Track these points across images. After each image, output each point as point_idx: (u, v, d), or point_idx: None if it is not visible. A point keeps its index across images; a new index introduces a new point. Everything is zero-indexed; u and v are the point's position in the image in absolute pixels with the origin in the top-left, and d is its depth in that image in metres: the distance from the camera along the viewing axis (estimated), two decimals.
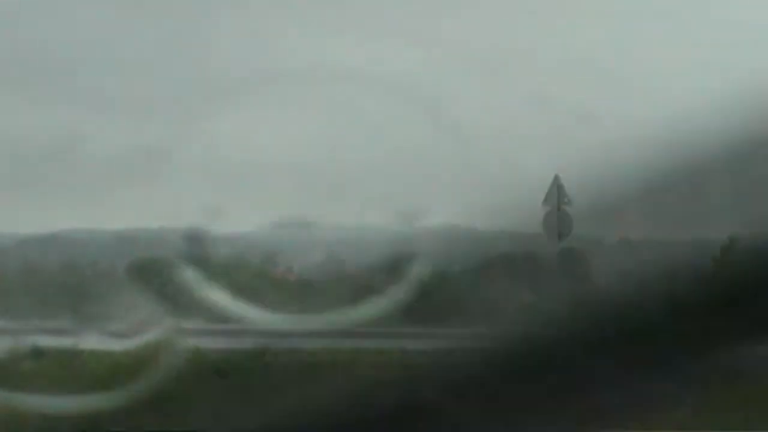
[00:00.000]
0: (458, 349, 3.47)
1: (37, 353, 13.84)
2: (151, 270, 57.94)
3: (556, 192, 36.85)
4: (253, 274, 56.06)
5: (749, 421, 14.94)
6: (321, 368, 12.54)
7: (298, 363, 12.55)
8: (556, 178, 37.02)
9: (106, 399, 10.47)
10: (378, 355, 13.52)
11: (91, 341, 17.14)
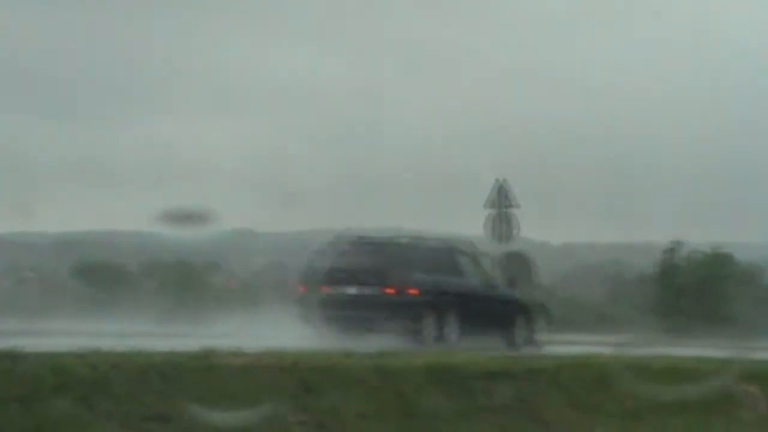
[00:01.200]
0: None
1: None
2: (98, 273, 57.01)
3: (499, 195, 36.91)
4: (197, 279, 55.57)
5: None
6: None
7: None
8: (498, 181, 37.07)
9: None
10: (322, 358, 13.68)
11: None
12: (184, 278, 55.58)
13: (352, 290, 24.70)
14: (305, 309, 25.08)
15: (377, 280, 24.65)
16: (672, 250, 68.74)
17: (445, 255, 27.03)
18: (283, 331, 22.90)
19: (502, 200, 36.85)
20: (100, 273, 57.95)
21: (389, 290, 24.52)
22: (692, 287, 59.36)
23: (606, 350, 18.56)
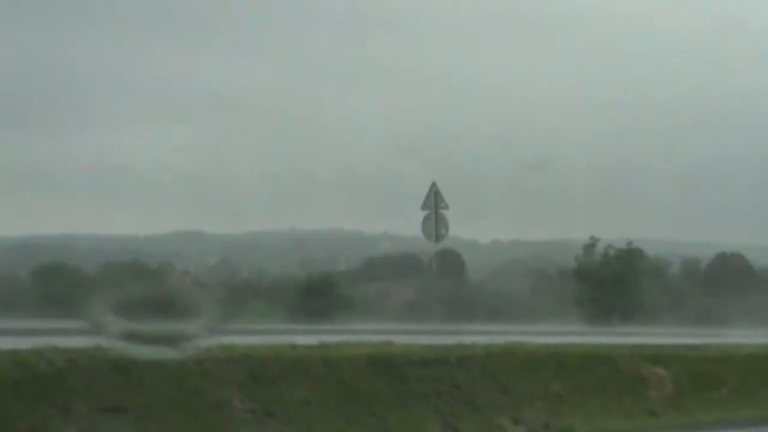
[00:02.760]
0: None
1: None
2: (56, 274, 56.34)
3: (434, 197, 37.10)
4: (151, 278, 55.16)
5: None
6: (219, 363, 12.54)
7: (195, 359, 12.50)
8: (433, 185, 37.27)
9: None
10: (269, 350, 13.58)
11: None
12: (139, 278, 55.15)
13: None
14: None
15: None
16: (590, 246, 69.38)
17: None
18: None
19: (436, 202, 37.03)
20: (58, 274, 57.37)
21: None
22: (607, 280, 59.97)
23: (531, 339, 18.71)
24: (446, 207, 36.88)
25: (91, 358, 11.29)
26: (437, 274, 39.68)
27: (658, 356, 16.16)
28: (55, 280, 55.54)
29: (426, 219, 36.89)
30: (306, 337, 16.82)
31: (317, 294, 53.83)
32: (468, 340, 15.79)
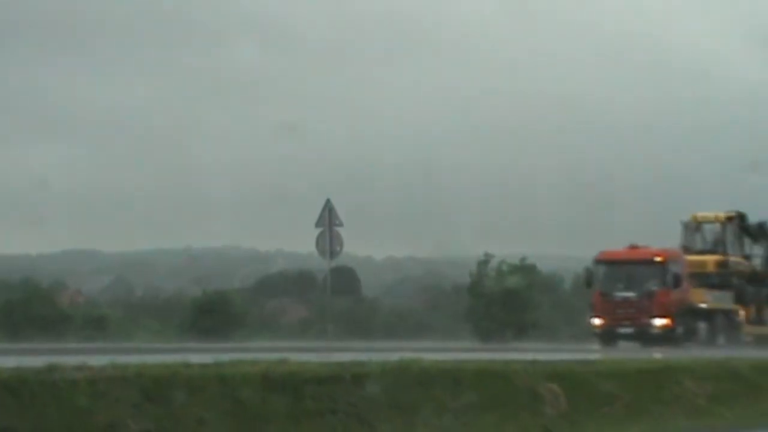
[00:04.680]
0: None
1: None
2: None
3: (328, 214, 37.12)
4: (42, 297, 53.98)
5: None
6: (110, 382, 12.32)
7: (86, 379, 12.28)
8: (328, 202, 37.29)
9: None
10: (164, 368, 13.40)
11: None
12: (30, 296, 53.99)
13: None
14: None
15: None
16: (483, 262, 70.11)
17: None
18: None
19: (330, 219, 37.00)
20: None
21: None
22: (500, 296, 60.55)
23: (425, 355, 18.77)
24: (340, 224, 36.93)
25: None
26: (332, 291, 39.78)
27: (552, 372, 16.31)
28: None
29: (320, 236, 36.87)
30: (201, 355, 16.67)
31: (212, 312, 53.38)
32: (363, 357, 15.78)
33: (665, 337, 41.84)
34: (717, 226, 49.69)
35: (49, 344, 23.26)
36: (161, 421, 11.67)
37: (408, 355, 16.43)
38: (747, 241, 50.52)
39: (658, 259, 43.57)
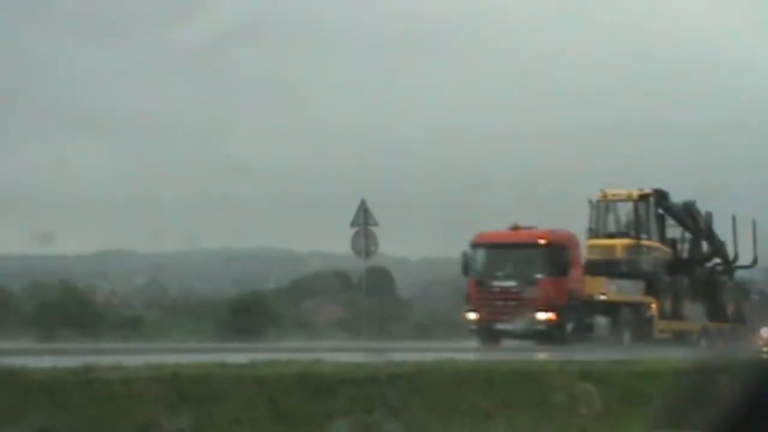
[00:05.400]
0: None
1: None
2: None
3: (363, 215, 37.15)
4: (77, 298, 54.28)
5: None
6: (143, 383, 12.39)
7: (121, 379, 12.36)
8: (363, 202, 37.33)
9: None
10: (199, 368, 13.46)
11: None
12: (66, 297, 54.42)
13: None
14: None
15: None
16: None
17: None
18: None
19: (365, 219, 37.01)
20: None
21: None
22: None
23: (460, 356, 18.77)
24: (375, 224, 36.92)
25: (18, 380, 11.12)
26: (367, 292, 39.62)
27: (587, 372, 16.28)
28: None
29: (355, 236, 36.88)
30: (236, 355, 16.73)
31: (247, 312, 53.58)
32: (398, 357, 15.80)
33: (550, 335, 35.55)
34: (629, 206, 41.34)
35: (84, 345, 23.43)
36: (196, 422, 11.74)
37: (442, 356, 16.45)
38: (670, 223, 42.83)
39: (542, 241, 36.58)
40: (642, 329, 38.55)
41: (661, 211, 42.04)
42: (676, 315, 41.13)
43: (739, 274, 45.04)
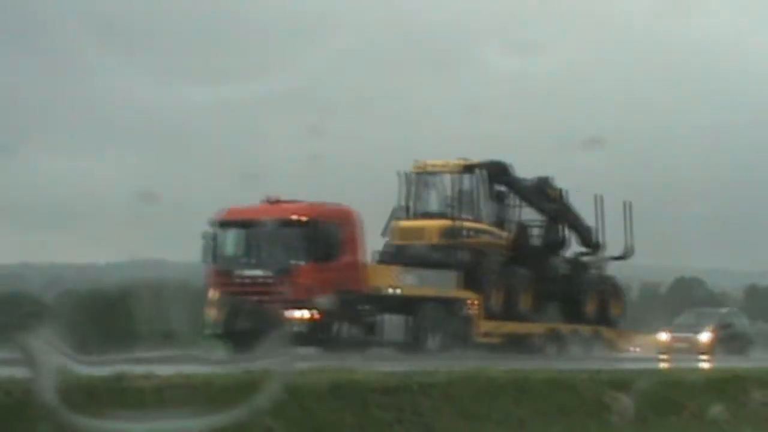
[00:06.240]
0: None
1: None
2: (13, 303, 55.83)
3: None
4: (110, 307, 54.56)
5: None
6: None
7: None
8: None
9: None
10: (230, 377, 13.60)
11: None
12: (98, 307, 54.68)
13: None
14: None
15: None
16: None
17: None
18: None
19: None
20: (14, 303, 56.77)
21: None
22: None
23: (491, 364, 18.73)
24: None
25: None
26: None
27: (619, 381, 16.22)
28: (11, 309, 54.95)
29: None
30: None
31: None
32: (430, 366, 15.76)
33: (312, 337, 27.76)
34: (449, 179, 33.16)
35: (117, 354, 23.53)
36: (229, 430, 11.77)
37: (475, 365, 16.41)
38: (514, 202, 34.32)
39: (299, 218, 28.45)
40: (457, 331, 30.64)
41: (503, 188, 34.14)
42: (512, 314, 32.72)
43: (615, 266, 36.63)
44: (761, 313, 61.20)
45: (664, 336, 40.02)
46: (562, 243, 35.21)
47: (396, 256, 31.72)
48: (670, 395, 16.84)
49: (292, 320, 27.74)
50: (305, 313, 28.01)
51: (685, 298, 74.88)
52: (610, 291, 35.98)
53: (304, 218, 28.61)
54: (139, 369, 13.16)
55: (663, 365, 26.96)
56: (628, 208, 35.73)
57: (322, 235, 28.59)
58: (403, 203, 33.00)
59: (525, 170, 34.52)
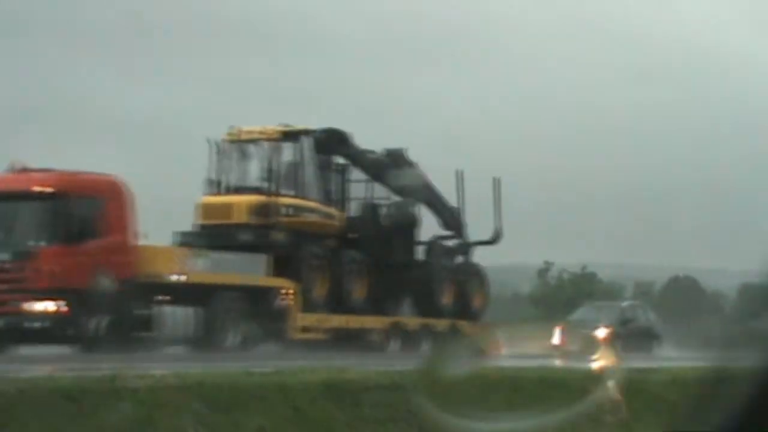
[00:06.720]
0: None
1: None
2: None
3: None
4: None
5: None
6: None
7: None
8: None
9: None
10: (225, 376, 13.61)
11: None
12: None
13: None
14: None
15: None
16: (544, 270, 69.84)
17: None
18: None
19: None
20: None
21: None
22: (561, 304, 60.29)
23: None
24: None
25: (43, 388, 11.16)
26: None
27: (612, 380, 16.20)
28: None
29: None
30: (261, 363, 16.77)
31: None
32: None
33: (59, 333, 23.59)
34: (267, 148, 28.55)
35: (111, 354, 23.52)
36: (222, 430, 11.76)
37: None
38: (357, 178, 30.19)
39: (44, 190, 23.76)
40: (266, 326, 26.58)
41: (342, 160, 30.02)
42: (342, 307, 28.61)
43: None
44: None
45: (556, 333, 33.43)
46: (413, 224, 30.94)
47: (200, 237, 27.61)
48: (664, 395, 16.85)
49: (32, 314, 23.56)
50: (49, 306, 23.60)
51: (679, 298, 75.00)
52: (472, 280, 31.83)
53: (49, 189, 23.90)
54: (134, 369, 13.15)
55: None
56: (497, 185, 31.88)
57: (73, 211, 24.11)
58: (213, 177, 28.73)
59: None
